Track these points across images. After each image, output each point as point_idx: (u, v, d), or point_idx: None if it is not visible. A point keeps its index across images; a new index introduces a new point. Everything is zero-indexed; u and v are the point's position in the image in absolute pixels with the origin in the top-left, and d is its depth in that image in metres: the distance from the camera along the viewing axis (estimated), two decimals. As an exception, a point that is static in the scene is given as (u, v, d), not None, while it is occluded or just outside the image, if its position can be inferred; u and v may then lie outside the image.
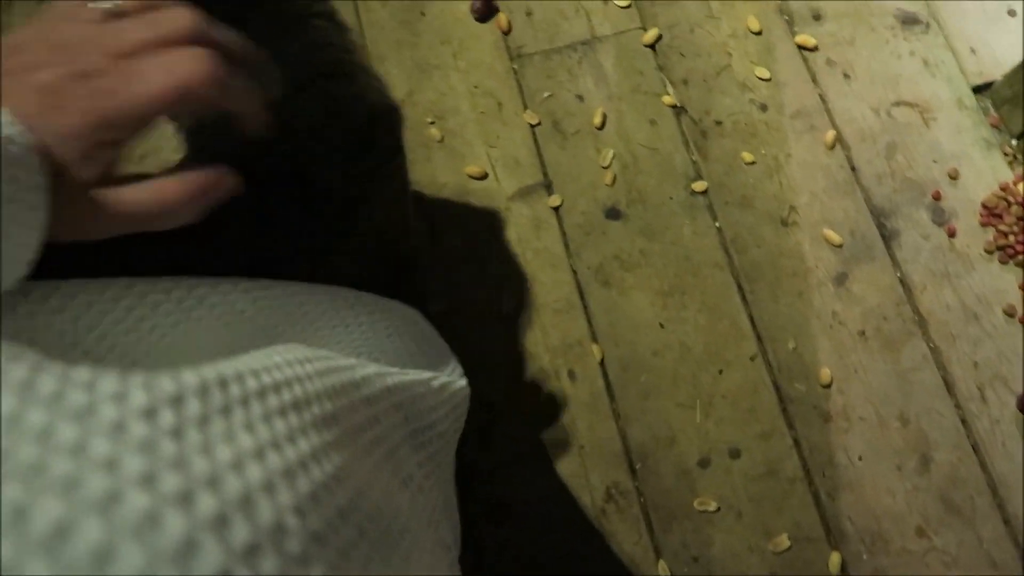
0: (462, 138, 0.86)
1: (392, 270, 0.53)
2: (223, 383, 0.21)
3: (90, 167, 0.28)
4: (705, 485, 0.73)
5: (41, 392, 0.18)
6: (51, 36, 0.28)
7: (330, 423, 0.25)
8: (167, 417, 0.19)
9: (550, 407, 0.76)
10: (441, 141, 0.86)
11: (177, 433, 0.18)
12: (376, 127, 0.44)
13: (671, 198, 0.83)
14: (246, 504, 0.18)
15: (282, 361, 0.26)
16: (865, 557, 0.71)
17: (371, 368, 0.33)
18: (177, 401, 0.19)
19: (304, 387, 0.25)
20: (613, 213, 0.82)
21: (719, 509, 0.72)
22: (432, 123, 0.86)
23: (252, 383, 0.23)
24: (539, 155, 0.85)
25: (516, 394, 0.76)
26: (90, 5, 0.29)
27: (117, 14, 0.29)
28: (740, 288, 0.79)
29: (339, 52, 0.42)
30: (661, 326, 0.78)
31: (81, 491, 0.15)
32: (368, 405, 0.30)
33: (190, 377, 0.21)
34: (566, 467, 0.74)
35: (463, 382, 0.45)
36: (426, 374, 0.42)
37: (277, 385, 0.24)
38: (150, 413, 0.19)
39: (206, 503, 0.17)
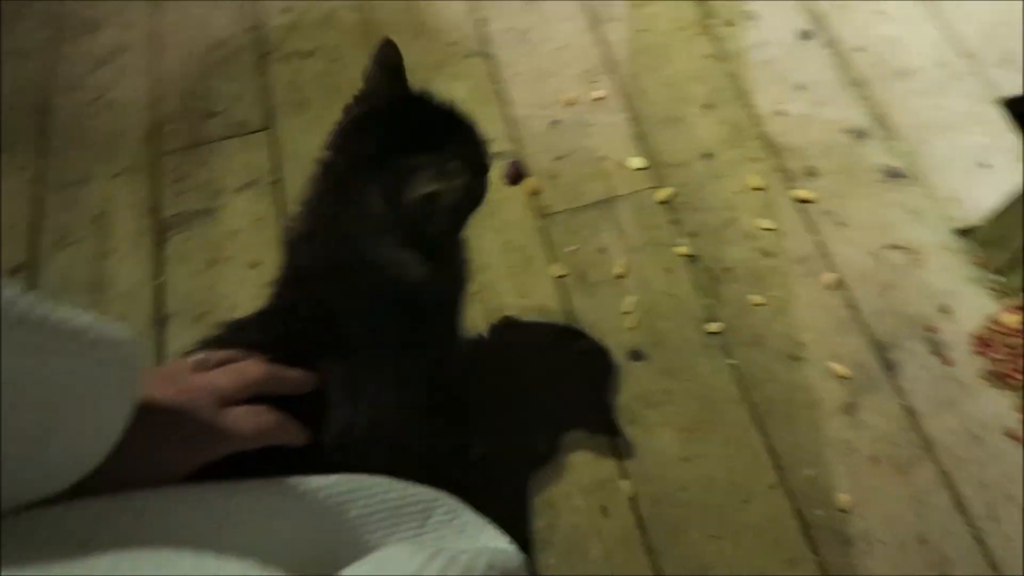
0: (495, 290, 1.07)
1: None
2: None
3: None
4: (739, 612, 0.86)
5: None
6: (170, 377, 0.51)
7: None
8: None
9: (584, 544, 0.91)
10: (476, 294, 1.06)
11: None
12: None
13: (689, 339, 1.02)
14: None
15: (440, 568, 0.38)
16: None
17: (465, 553, 0.46)
18: None
19: None
20: (636, 355, 1.01)
21: (754, 636, 0.85)
22: (468, 277, 1.07)
23: None
24: (566, 304, 1.05)
25: (552, 532, 0.91)
26: (189, 360, 0.54)
27: (204, 364, 0.53)
28: (757, 421, 0.96)
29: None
30: (686, 461, 0.94)
31: None
32: None
33: None
34: (605, 600, 0.88)
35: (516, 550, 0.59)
36: (501, 545, 0.57)
37: None
38: None
39: None
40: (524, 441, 0.96)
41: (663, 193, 1.14)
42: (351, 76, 1.27)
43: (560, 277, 1.07)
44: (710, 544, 0.90)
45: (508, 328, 1.04)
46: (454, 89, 1.25)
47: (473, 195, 0.70)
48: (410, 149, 0.65)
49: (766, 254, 1.08)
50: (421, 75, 1.29)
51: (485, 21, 1.34)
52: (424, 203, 0.63)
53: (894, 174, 1.15)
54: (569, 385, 1.00)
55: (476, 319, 1.04)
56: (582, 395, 0.99)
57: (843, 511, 0.90)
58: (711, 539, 0.90)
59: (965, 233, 1.09)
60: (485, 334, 1.04)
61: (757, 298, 1.04)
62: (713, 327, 1.02)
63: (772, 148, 1.18)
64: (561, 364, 1.01)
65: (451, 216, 0.67)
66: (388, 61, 0.70)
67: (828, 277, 1.06)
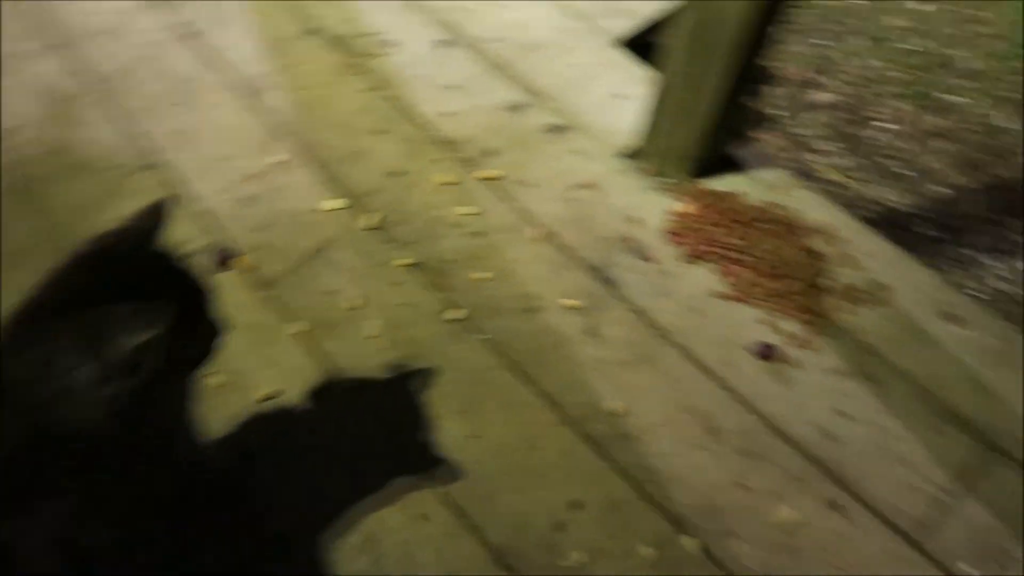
0: (245, 373, 1.07)
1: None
2: None
3: None
4: (571, 543, 0.93)
5: None
6: None
7: None
8: None
9: (414, 556, 0.93)
10: (226, 384, 1.06)
11: None
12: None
13: (438, 334, 1.09)
14: None
15: None
16: (713, 530, 0.93)
17: None
18: None
19: None
20: (395, 370, 1.06)
21: (591, 557, 0.92)
22: (213, 374, 1.07)
23: None
24: (317, 354, 1.08)
25: (381, 561, 0.93)
26: None
27: None
28: (521, 376, 1.04)
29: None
30: (475, 437, 1.00)
31: None
32: None
33: None
34: (456, 598, 0.91)
35: None
36: None
37: None
38: None
39: None
40: (320, 496, 0.97)
41: (366, 220, 1.21)
42: (20, 241, 1.24)
43: (303, 333, 1.10)
44: (522, 497, 0.96)
45: (270, 404, 1.05)
46: (132, 208, 1.24)
47: (193, 344, 0.70)
48: (118, 298, 0.62)
49: (476, 235, 1.19)
50: (94, 209, 1.28)
51: (142, 134, 1.35)
52: (132, 354, 0.61)
53: (556, 129, 1.31)
54: (348, 426, 1.02)
55: (235, 406, 1.04)
56: (367, 428, 1.02)
57: (618, 416, 1.01)
58: (521, 492, 0.96)
59: (627, 155, 1.26)
60: (248, 420, 1.04)
61: (483, 274, 1.14)
62: (456, 314, 1.10)
63: (448, 146, 1.30)
64: (331, 414, 1.04)
65: (163, 365, 0.64)
66: (150, 215, 0.70)
67: (534, 232, 1.18)
